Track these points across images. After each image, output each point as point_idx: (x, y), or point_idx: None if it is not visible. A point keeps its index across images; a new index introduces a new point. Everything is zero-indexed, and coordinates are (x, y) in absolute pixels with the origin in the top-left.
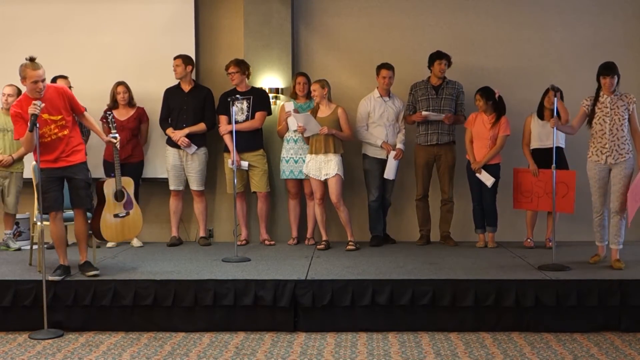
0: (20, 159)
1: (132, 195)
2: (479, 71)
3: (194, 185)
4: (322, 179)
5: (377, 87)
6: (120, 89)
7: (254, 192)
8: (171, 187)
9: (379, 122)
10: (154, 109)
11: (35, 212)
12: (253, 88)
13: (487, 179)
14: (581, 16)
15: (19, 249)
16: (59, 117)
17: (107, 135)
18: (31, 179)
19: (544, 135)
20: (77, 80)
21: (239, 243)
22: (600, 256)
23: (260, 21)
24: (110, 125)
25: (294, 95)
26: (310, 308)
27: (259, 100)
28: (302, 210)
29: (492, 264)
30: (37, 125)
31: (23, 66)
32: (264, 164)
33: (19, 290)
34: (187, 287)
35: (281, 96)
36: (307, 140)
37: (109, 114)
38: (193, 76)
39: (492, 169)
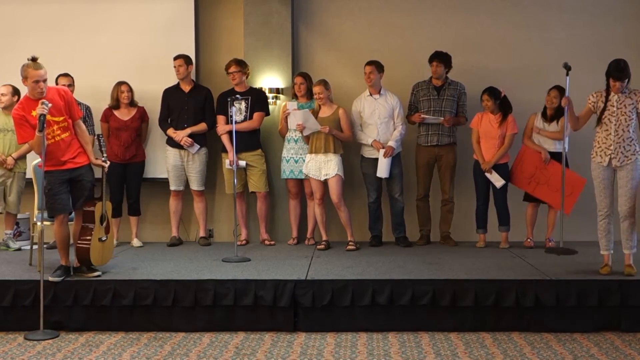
0: (21, 159)
1: (110, 220)
2: (479, 71)
3: (194, 186)
4: (322, 179)
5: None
6: (123, 88)
7: (253, 192)
8: (171, 187)
9: (370, 120)
10: (154, 109)
11: (36, 212)
12: (251, 88)
13: (497, 180)
14: (581, 16)
15: (19, 249)
16: (61, 118)
17: (96, 159)
18: (31, 178)
19: (541, 138)
20: (77, 80)
21: (239, 243)
22: (609, 266)
23: (260, 21)
24: (102, 149)
25: (294, 96)
26: (310, 308)
27: (257, 100)
28: (302, 210)
29: (492, 264)
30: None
31: (25, 66)
32: (262, 163)
33: (18, 290)
34: (187, 287)
35: (281, 96)
36: (306, 139)
37: (100, 137)
38: (193, 76)
39: (501, 168)
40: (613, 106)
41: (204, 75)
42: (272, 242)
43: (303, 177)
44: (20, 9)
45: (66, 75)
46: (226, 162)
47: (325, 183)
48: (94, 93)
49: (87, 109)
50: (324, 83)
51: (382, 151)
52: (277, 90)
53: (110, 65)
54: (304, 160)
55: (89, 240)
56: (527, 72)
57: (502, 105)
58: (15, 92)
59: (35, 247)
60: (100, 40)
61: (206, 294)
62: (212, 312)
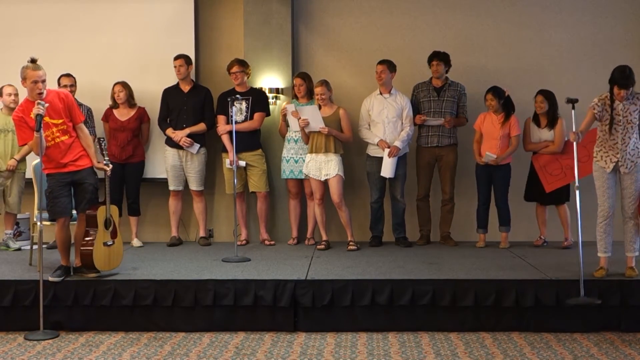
0: (22, 159)
1: (117, 224)
2: (478, 71)
3: (194, 186)
4: (322, 179)
5: None
6: (116, 88)
7: (253, 192)
8: (170, 187)
9: (378, 119)
10: (154, 109)
11: (36, 212)
12: (252, 88)
13: (489, 157)
14: (581, 16)
15: (19, 249)
16: (60, 120)
17: (98, 162)
18: (31, 178)
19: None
20: (77, 80)
21: (239, 243)
22: (605, 269)
23: (260, 21)
24: (104, 152)
25: (294, 97)
26: (310, 308)
27: (258, 100)
28: (302, 210)
29: (492, 264)
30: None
31: (24, 67)
32: (263, 163)
33: (18, 290)
34: (187, 287)
35: (281, 96)
36: (306, 139)
37: (102, 140)
38: (192, 76)
39: (504, 169)
40: (619, 115)
41: (203, 75)
42: (272, 242)
43: (303, 177)
44: (20, 9)
45: (68, 75)
46: (226, 162)
47: (325, 183)
48: (94, 93)
49: (88, 110)
50: (326, 84)
51: (386, 150)
52: (277, 91)
53: (110, 65)
54: (304, 160)
55: (92, 245)
56: (527, 72)
57: (505, 106)
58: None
59: (35, 247)
60: (100, 40)
61: (206, 294)
62: (212, 312)
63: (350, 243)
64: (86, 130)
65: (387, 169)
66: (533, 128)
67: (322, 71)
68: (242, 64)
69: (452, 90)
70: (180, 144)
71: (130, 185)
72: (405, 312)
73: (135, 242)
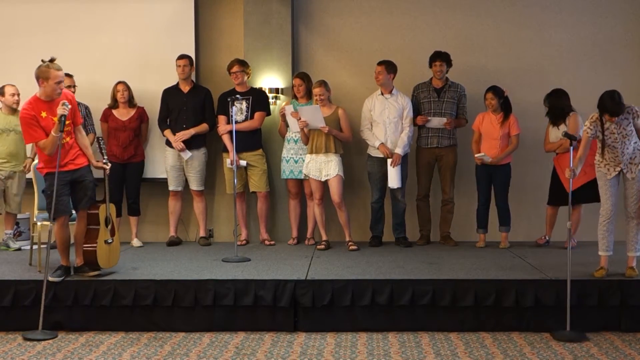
0: (22, 159)
1: (115, 222)
2: (478, 71)
3: (194, 186)
4: (323, 179)
5: None
6: (120, 87)
7: (254, 192)
8: (170, 188)
9: (379, 120)
10: (154, 109)
11: (36, 212)
12: (252, 88)
13: (484, 156)
14: (581, 16)
15: (19, 249)
16: (68, 122)
17: (97, 161)
18: (31, 179)
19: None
20: (77, 80)
21: (239, 243)
22: (605, 269)
23: (260, 21)
24: (102, 151)
25: (294, 97)
26: (310, 308)
27: (258, 100)
28: (302, 210)
29: (492, 264)
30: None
31: (44, 67)
32: (263, 163)
33: (19, 290)
34: (187, 287)
35: (281, 96)
36: (305, 140)
37: (100, 139)
38: (192, 77)
39: (504, 169)
40: (614, 133)
41: (204, 75)
42: (272, 242)
43: (303, 177)
44: (20, 9)
45: (69, 75)
46: (227, 162)
47: (325, 183)
48: (94, 93)
49: (86, 108)
50: (324, 84)
51: (389, 161)
52: (277, 91)
53: (110, 65)
54: (303, 161)
55: (95, 242)
56: (527, 72)
57: (504, 105)
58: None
59: (35, 247)
60: (100, 40)
61: (206, 294)
62: (212, 312)
63: (351, 243)
64: (84, 132)
65: (394, 180)
66: (551, 129)
67: (322, 71)
68: (243, 64)
69: (452, 92)
70: (175, 146)
71: (131, 185)
72: (405, 312)
73: (135, 242)
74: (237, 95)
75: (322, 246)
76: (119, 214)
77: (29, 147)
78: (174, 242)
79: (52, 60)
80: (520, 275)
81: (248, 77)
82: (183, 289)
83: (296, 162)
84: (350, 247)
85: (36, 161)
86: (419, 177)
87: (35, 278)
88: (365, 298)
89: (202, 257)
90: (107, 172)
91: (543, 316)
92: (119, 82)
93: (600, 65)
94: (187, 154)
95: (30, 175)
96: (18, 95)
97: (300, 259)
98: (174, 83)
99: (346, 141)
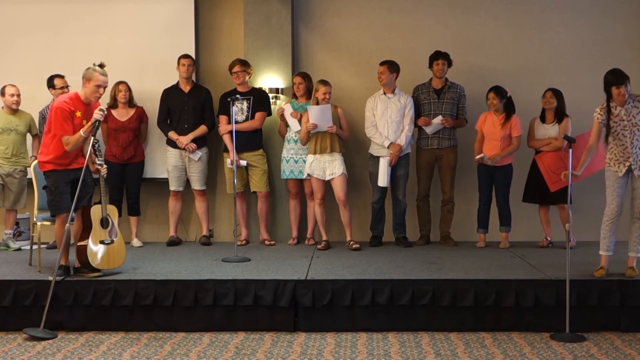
0: (24, 157)
1: (116, 224)
2: (478, 71)
3: (197, 185)
4: (327, 178)
5: None
6: (121, 87)
7: (254, 192)
8: (171, 188)
9: (381, 119)
10: (154, 109)
11: (36, 212)
12: (253, 88)
13: (487, 159)
14: (581, 16)
15: (19, 249)
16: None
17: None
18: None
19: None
20: (77, 80)
21: (239, 243)
22: (605, 269)
23: (260, 21)
24: (97, 153)
25: (294, 96)
26: (310, 308)
27: (259, 100)
28: (302, 210)
29: (492, 264)
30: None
31: (91, 69)
32: (264, 163)
33: (19, 290)
34: (187, 287)
35: (281, 96)
36: (304, 141)
37: (96, 142)
38: (193, 77)
39: (506, 169)
40: (623, 120)
41: (204, 75)
42: (272, 242)
43: (303, 177)
44: (20, 9)
45: (61, 76)
46: (227, 162)
47: (327, 183)
48: None
49: None
50: (329, 84)
51: (387, 159)
52: (277, 91)
53: (110, 65)
54: (304, 161)
55: (85, 243)
56: (527, 72)
57: (506, 106)
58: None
59: (35, 247)
60: (100, 40)
61: (206, 294)
62: (212, 312)
63: (353, 242)
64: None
65: (385, 178)
66: (538, 125)
67: (322, 71)
68: (244, 64)
69: (452, 92)
70: (187, 148)
71: (131, 185)
72: (405, 312)
73: (135, 242)
74: (238, 96)
75: (322, 246)
76: (119, 214)
77: (29, 145)
78: (174, 242)
79: (101, 65)
80: (520, 275)
81: (250, 77)
82: (183, 289)
83: (296, 162)
84: (353, 246)
85: (36, 161)
86: (419, 178)
87: (35, 278)
88: (365, 298)
89: (202, 257)
90: (103, 173)
91: (543, 316)
92: (120, 82)
93: (600, 65)
94: (197, 155)
95: (29, 174)
96: (18, 95)
97: (300, 259)
98: (174, 83)
99: (346, 140)
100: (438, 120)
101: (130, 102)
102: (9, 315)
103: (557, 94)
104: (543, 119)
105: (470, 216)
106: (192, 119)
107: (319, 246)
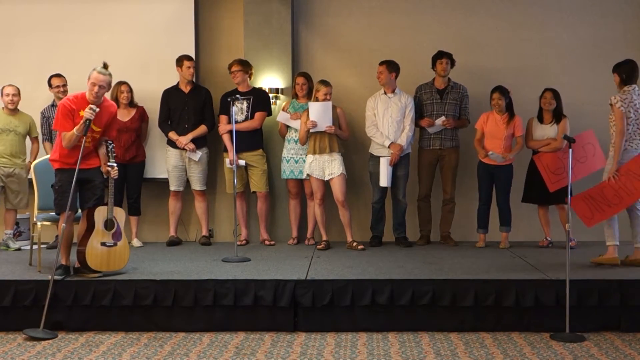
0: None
1: (122, 227)
2: (479, 71)
3: (197, 186)
4: (326, 178)
5: None
6: (123, 88)
7: (254, 192)
8: (171, 188)
9: (382, 119)
10: (154, 109)
11: (36, 212)
12: (254, 88)
13: (497, 158)
14: (581, 16)
15: (19, 249)
16: (98, 129)
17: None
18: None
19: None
20: (77, 80)
21: (239, 243)
22: (617, 258)
23: (260, 21)
24: (110, 154)
25: (294, 96)
26: (310, 308)
27: (259, 100)
28: (302, 210)
29: (492, 264)
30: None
31: (93, 69)
32: (264, 163)
33: (19, 290)
34: (187, 287)
35: (281, 96)
36: (303, 141)
37: (110, 143)
38: (193, 77)
39: (506, 169)
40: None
41: (204, 76)
42: (272, 242)
43: (303, 177)
44: (20, 9)
45: (59, 75)
46: (227, 162)
47: (326, 183)
48: None
49: None
50: (329, 84)
51: (387, 159)
52: (277, 91)
53: (110, 65)
54: (304, 161)
55: (85, 244)
56: (527, 72)
57: (509, 105)
58: (19, 93)
59: (35, 247)
60: (100, 40)
61: (206, 294)
62: (212, 312)
63: (356, 243)
64: (105, 149)
65: (386, 178)
66: (536, 125)
67: (322, 71)
68: (242, 64)
69: (454, 93)
70: (186, 148)
71: (132, 185)
72: (405, 312)
73: (135, 242)
74: (237, 95)
75: (322, 246)
76: None
77: (28, 146)
78: (174, 242)
79: (105, 66)
80: (520, 275)
81: (250, 77)
82: (183, 289)
83: (296, 162)
84: (359, 247)
85: (36, 161)
86: (420, 178)
87: (35, 278)
88: (365, 298)
89: (202, 257)
90: (113, 175)
91: (543, 316)
92: (122, 83)
93: (600, 65)
94: (197, 155)
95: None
96: (14, 95)
97: (300, 259)
98: (174, 83)
99: (345, 140)
100: (440, 121)
101: (131, 103)
102: (9, 315)
103: (556, 94)
104: (540, 119)
105: (470, 216)
106: (192, 119)
107: (319, 246)
